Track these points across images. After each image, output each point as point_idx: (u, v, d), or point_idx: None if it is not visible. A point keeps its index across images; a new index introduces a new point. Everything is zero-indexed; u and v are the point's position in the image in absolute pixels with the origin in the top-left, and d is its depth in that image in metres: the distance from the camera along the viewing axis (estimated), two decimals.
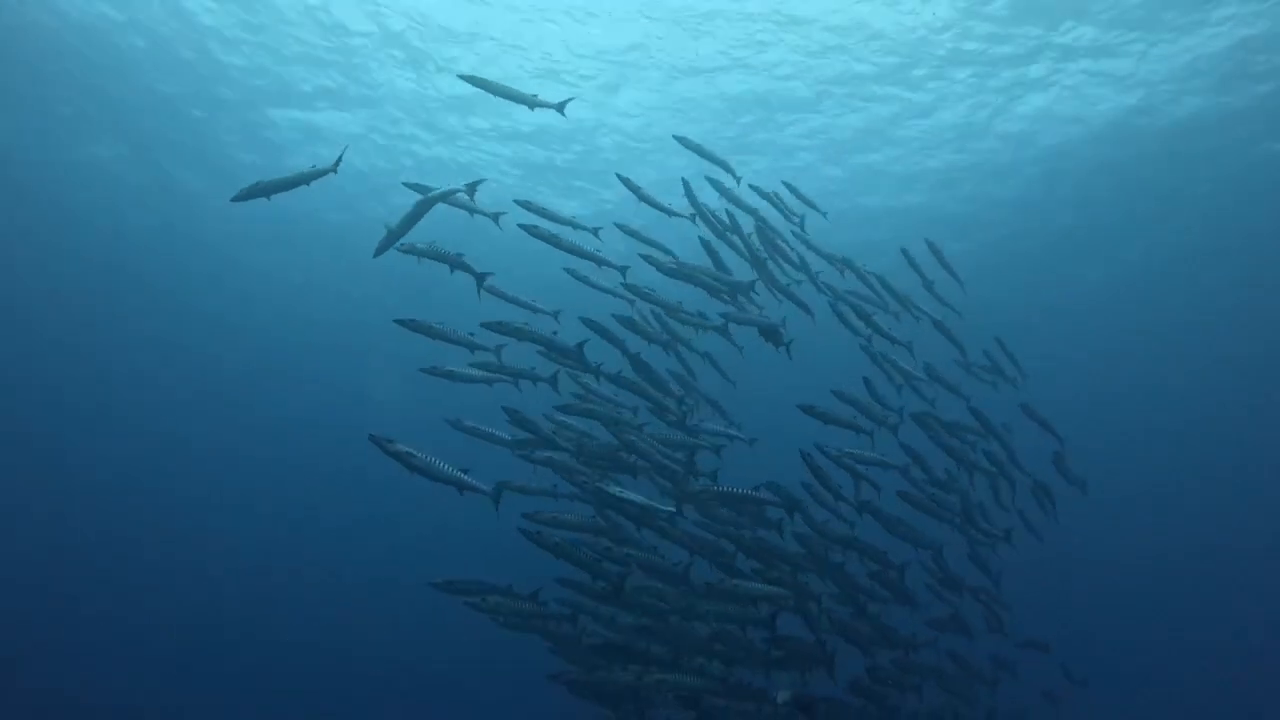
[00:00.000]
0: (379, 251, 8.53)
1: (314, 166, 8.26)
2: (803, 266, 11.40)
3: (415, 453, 7.87)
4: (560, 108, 10.25)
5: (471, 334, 9.36)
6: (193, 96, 21.65)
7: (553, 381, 9.82)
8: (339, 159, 8.39)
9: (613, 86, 20.90)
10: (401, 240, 8.51)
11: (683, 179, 11.07)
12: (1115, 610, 36.40)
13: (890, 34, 18.86)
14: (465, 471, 8.13)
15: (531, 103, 9.88)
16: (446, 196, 8.75)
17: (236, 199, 8.05)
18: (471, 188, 9.15)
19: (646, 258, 10.05)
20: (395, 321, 8.85)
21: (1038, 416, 13.27)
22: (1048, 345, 25.69)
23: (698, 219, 10.99)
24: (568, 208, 19.29)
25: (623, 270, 10.09)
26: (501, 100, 10.51)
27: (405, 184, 10.02)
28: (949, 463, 11.40)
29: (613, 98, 21.24)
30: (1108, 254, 27.42)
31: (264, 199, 8.13)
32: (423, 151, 23.34)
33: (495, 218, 9.74)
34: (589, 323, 9.92)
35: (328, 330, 31.71)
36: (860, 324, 11.13)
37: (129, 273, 28.68)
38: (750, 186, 11.64)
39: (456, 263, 9.16)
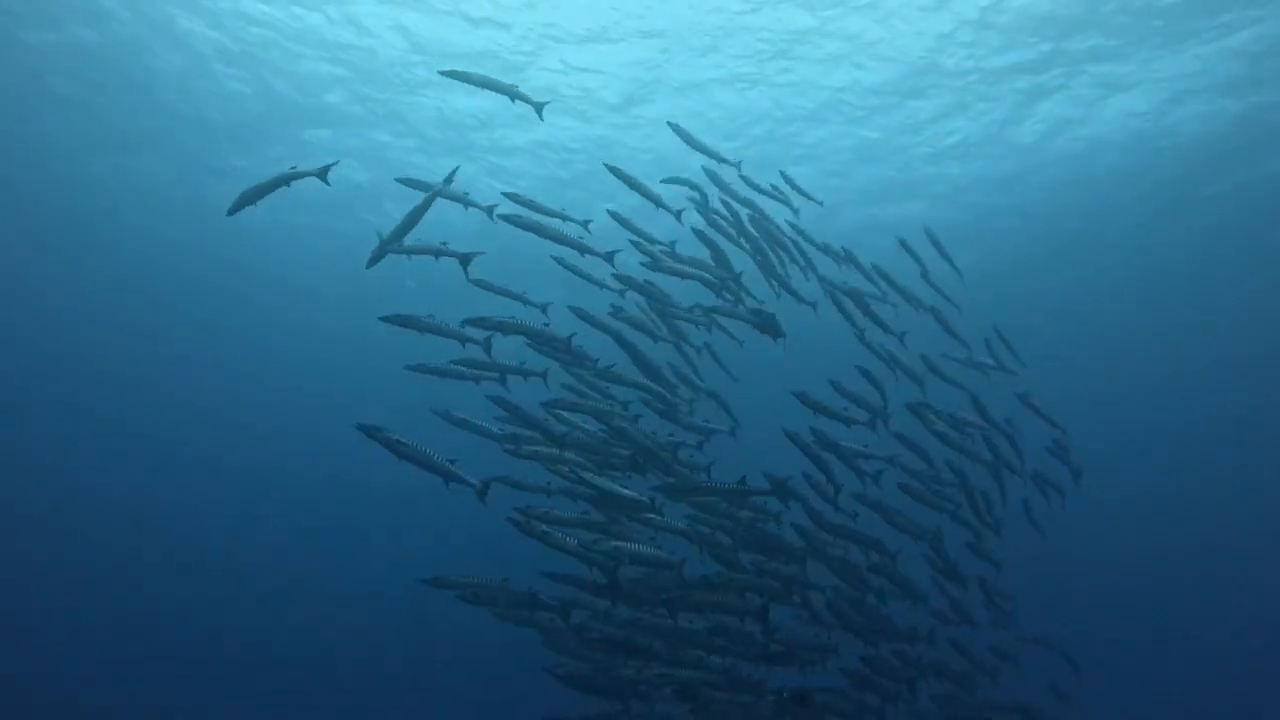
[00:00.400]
0: (372, 262, 8.33)
1: (294, 167, 7.97)
2: (801, 257, 11.07)
3: (405, 440, 7.56)
4: (539, 108, 9.94)
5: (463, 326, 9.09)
6: (223, 113, 21.48)
7: (544, 377, 9.51)
8: (328, 168, 8.18)
9: (620, 105, 20.68)
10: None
11: (691, 178, 10.84)
12: (1116, 610, 35.96)
13: (897, 43, 18.51)
14: (453, 462, 7.85)
15: (513, 94, 9.62)
16: (433, 198, 8.49)
17: (231, 212, 7.84)
18: (449, 179, 8.92)
19: (636, 244, 9.67)
20: (381, 319, 8.49)
21: (1035, 406, 12.88)
22: (1051, 347, 25.33)
23: (696, 209, 10.72)
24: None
25: (609, 257, 9.65)
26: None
27: (398, 180, 9.81)
28: (947, 454, 11.09)
29: (618, 114, 21.00)
30: (1109, 258, 27.09)
31: (252, 206, 7.92)
32: (432, 164, 23.17)
33: (490, 211, 9.41)
34: (579, 313, 9.48)
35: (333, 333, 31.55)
36: (858, 314, 10.81)
37: (144, 281, 28.63)
38: (742, 177, 11.34)
39: (441, 251, 8.90)
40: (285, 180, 7.94)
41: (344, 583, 34.44)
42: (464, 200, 9.40)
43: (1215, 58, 18.41)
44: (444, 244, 8.86)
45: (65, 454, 33.81)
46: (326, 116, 21.53)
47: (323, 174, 8.17)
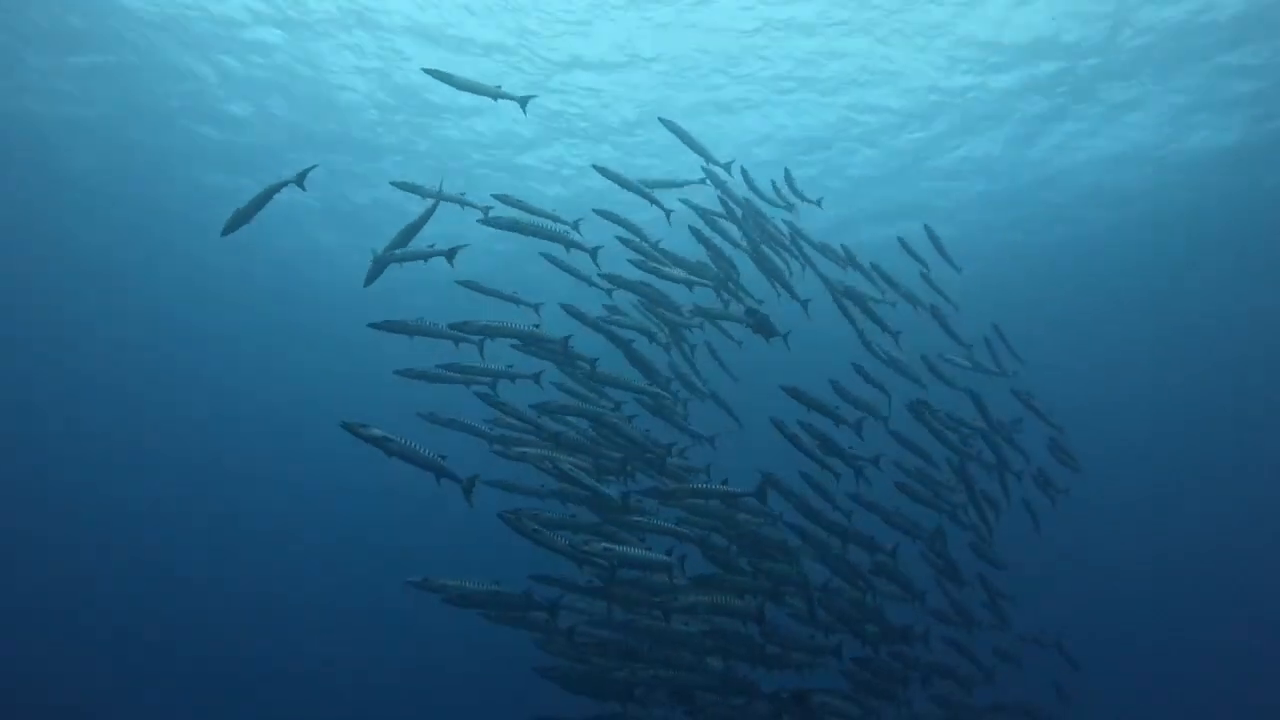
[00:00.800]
0: (370, 279, 8.26)
1: (279, 179, 7.91)
2: (800, 255, 10.85)
3: (392, 436, 7.29)
4: (523, 103, 9.74)
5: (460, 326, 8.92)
6: (239, 135, 21.73)
7: (537, 379, 9.36)
8: (304, 173, 8.11)
9: (626, 128, 20.69)
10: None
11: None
12: (1120, 611, 35.24)
13: (903, 63, 18.45)
14: (444, 458, 7.74)
15: (495, 94, 9.46)
16: (428, 216, 8.55)
17: (225, 232, 7.76)
18: (439, 189, 9.05)
19: (624, 241, 9.36)
20: (370, 326, 8.23)
21: (1035, 406, 12.48)
22: (1052, 356, 24.96)
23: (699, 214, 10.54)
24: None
25: (594, 252, 9.34)
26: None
27: (393, 183, 9.82)
28: (948, 453, 10.76)
29: (625, 136, 20.97)
30: (1110, 266, 26.61)
31: (248, 224, 7.89)
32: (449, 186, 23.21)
33: (485, 211, 9.25)
34: (571, 311, 9.21)
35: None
36: (859, 314, 10.55)
37: (148, 291, 28.83)
38: (742, 169, 10.92)
39: (429, 253, 8.71)
40: (272, 193, 7.88)
41: (341, 585, 34.36)
42: (461, 201, 9.35)
43: (1218, 74, 18.14)
44: (431, 246, 8.82)
45: (67, 462, 34.07)
46: (344, 142, 21.70)
47: (300, 180, 8.18)
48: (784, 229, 10.75)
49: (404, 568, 10.20)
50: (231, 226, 7.82)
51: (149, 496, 35.09)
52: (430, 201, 8.83)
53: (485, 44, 17.96)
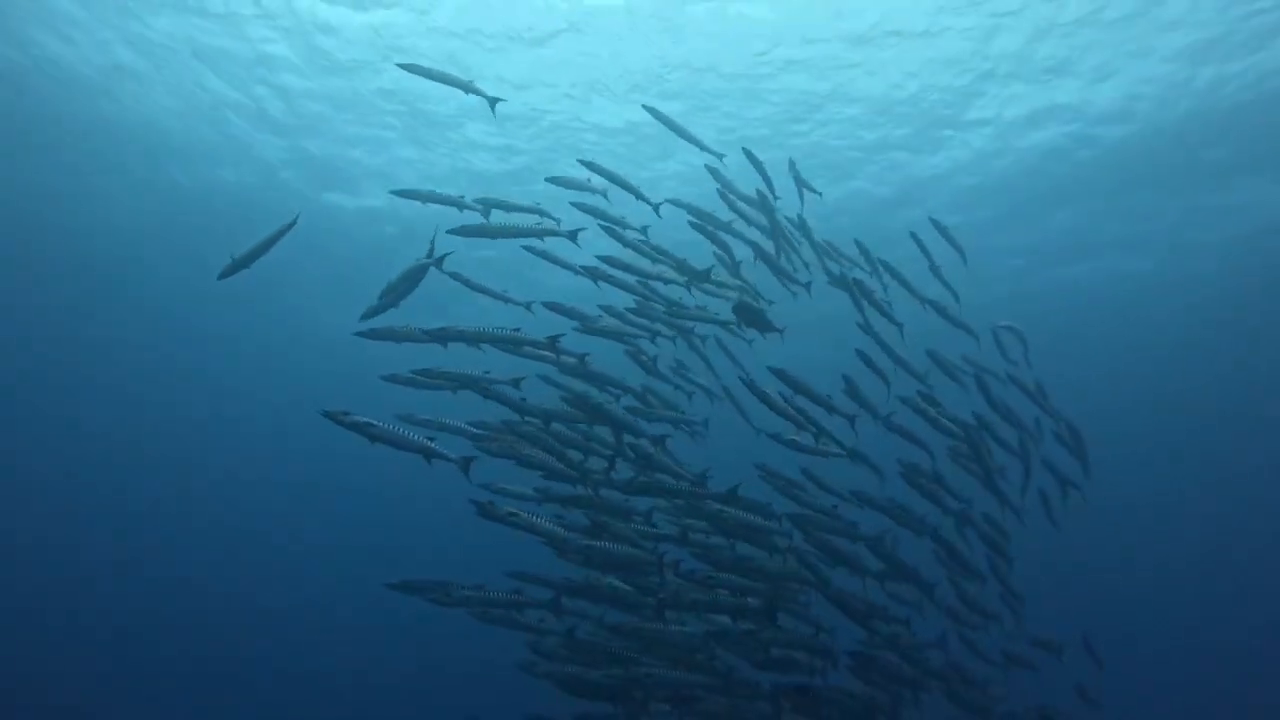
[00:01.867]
0: (371, 315, 8.05)
1: (281, 226, 7.79)
2: (815, 249, 10.55)
3: (375, 422, 6.95)
4: (492, 104, 9.84)
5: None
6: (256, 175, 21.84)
7: (516, 384, 9.00)
8: (296, 217, 7.89)
9: (660, 155, 20.12)
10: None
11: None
12: (1120, 617, 35.06)
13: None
14: (432, 440, 7.40)
15: (467, 88, 9.45)
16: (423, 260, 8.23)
17: (223, 276, 7.63)
18: (433, 191, 9.08)
19: (610, 231, 9.06)
20: (355, 334, 8.00)
21: (1028, 389, 12.07)
22: (1057, 364, 24.83)
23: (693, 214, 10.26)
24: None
25: (573, 235, 9.05)
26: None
27: (392, 191, 9.60)
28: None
29: (646, 165, 20.35)
30: (1111, 271, 26.36)
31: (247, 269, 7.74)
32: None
33: (486, 211, 9.04)
34: (555, 308, 8.83)
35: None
36: (870, 309, 10.24)
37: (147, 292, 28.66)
38: (744, 150, 10.53)
39: (421, 265, 8.55)
40: (273, 241, 7.74)
41: (340, 585, 34.13)
42: (459, 203, 9.09)
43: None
44: (428, 256, 8.54)
45: (67, 461, 33.88)
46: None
47: (292, 221, 7.96)
48: (787, 224, 10.41)
49: (404, 568, 9.90)
50: (229, 272, 7.67)
51: (149, 496, 34.85)
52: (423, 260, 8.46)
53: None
